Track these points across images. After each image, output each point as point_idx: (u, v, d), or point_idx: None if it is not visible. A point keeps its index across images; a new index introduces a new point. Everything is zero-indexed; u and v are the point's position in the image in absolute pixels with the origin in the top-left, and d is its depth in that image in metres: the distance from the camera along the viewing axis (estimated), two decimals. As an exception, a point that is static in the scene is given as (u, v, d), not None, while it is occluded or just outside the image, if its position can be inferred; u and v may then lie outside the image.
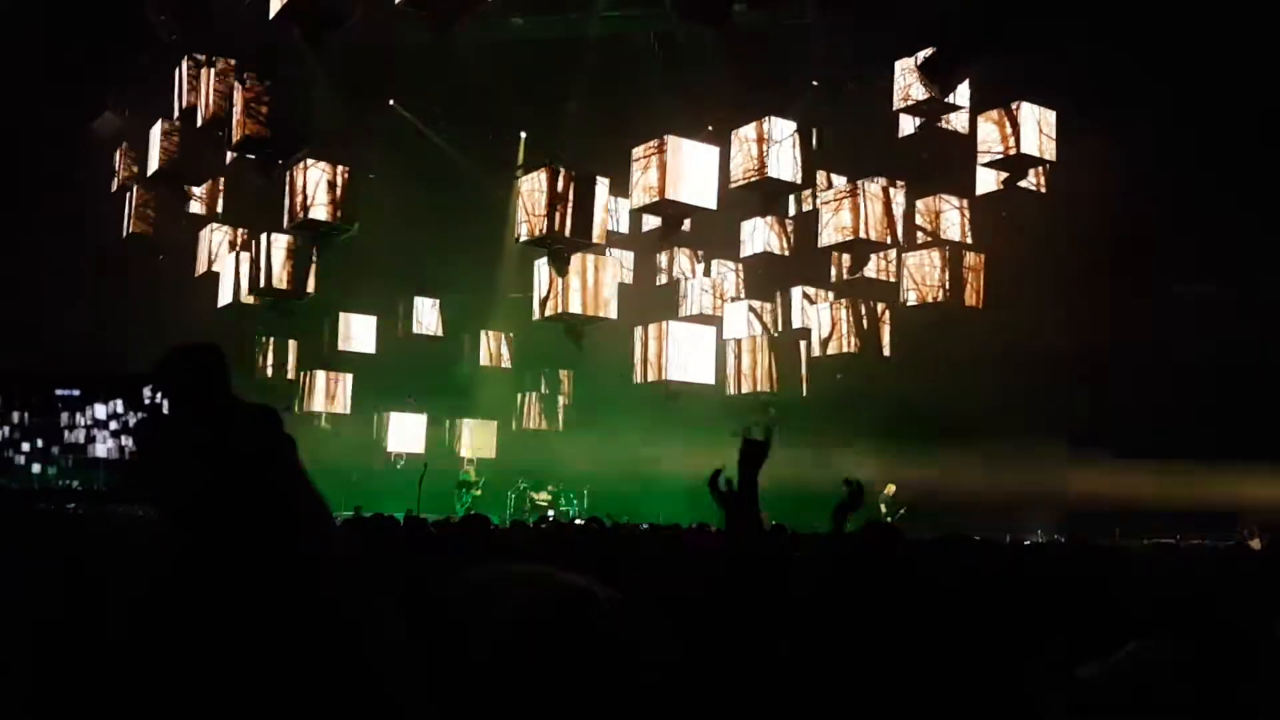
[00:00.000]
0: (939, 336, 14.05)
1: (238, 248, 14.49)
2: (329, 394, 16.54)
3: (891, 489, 14.61)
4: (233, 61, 12.04)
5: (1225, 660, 2.20)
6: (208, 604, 2.08)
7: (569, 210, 11.82)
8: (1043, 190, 12.80)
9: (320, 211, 12.59)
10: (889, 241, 13.02)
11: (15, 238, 13.94)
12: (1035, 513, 14.22)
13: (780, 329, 15.30)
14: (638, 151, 11.92)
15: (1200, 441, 12.21)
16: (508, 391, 18.40)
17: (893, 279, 14.02)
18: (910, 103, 11.94)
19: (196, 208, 14.76)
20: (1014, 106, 11.79)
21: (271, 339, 16.08)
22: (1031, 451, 13.37)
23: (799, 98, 13.22)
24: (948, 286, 13.54)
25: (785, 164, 11.82)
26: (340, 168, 12.70)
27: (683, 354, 14.01)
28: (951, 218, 13.73)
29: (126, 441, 2.83)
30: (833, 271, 14.78)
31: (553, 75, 14.05)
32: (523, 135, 15.94)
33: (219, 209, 14.82)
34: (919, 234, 13.97)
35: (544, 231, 11.86)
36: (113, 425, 2.84)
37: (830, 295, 14.73)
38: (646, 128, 12.43)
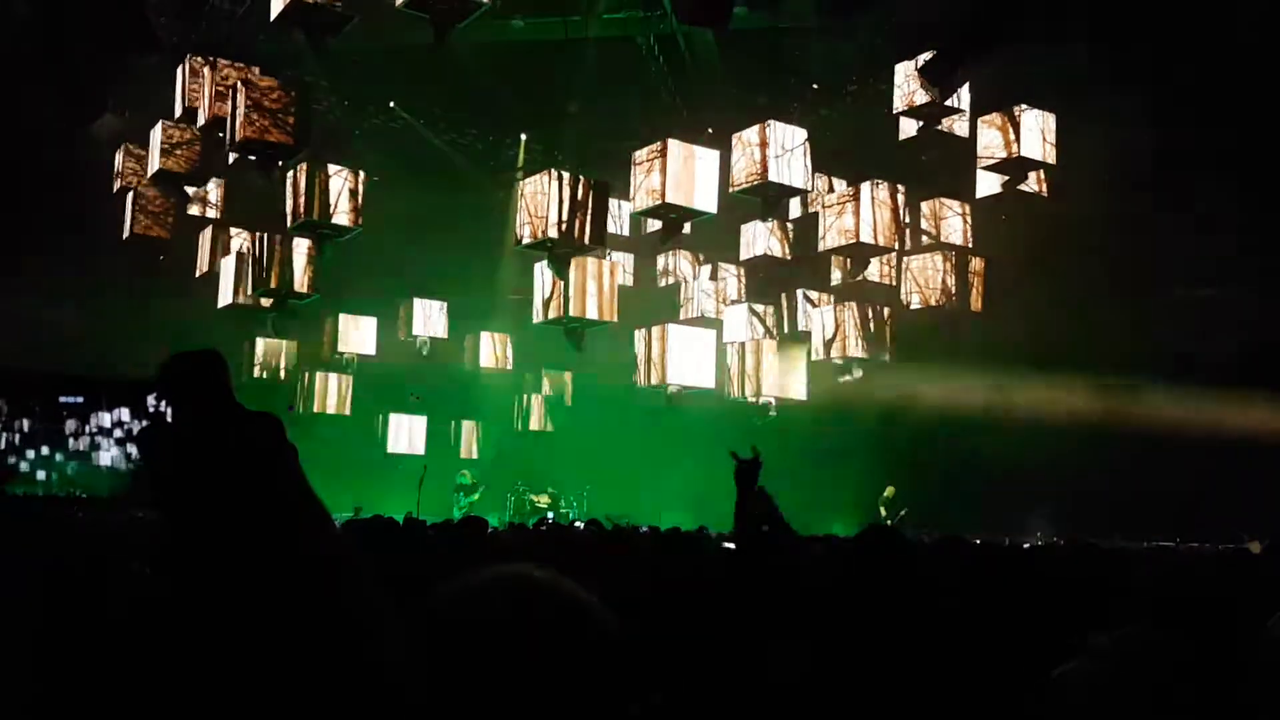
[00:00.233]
0: (941, 338, 14.08)
1: (238, 249, 14.49)
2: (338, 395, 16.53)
3: (891, 491, 14.62)
4: (234, 63, 12.04)
5: (1224, 660, 2.20)
6: (209, 606, 2.08)
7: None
8: (1044, 194, 12.80)
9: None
10: (893, 245, 13.00)
11: (15, 238, 13.93)
12: (1035, 513, 14.24)
13: (780, 332, 15.28)
14: (639, 155, 11.91)
15: (1200, 442, 12.20)
16: (507, 393, 18.37)
17: (893, 283, 14.03)
18: (911, 106, 11.93)
19: (197, 209, 14.74)
20: (1015, 110, 11.79)
21: (271, 340, 16.06)
22: (1033, 452, 13.38)
23: (799, 100, 13.21)
24: (952, 290, 13.55)
25: (796, 171, 11.79)
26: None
27: (683, 357, 14.00)
28: (954, 224, 13.73)
29: (130, 449, 2.85)
30: (834, 275, 14.78)
31: (553, 77, 14.06)
32: (523, 137, 15.93)
33: (220, 210, 14.81)
34: (923, 237, 13.98)
35: (546, 234, 11.82)
36: (116, 434, 2.85)
37: (831, 298, 14.73)
38: (646, 130, 12.44)
